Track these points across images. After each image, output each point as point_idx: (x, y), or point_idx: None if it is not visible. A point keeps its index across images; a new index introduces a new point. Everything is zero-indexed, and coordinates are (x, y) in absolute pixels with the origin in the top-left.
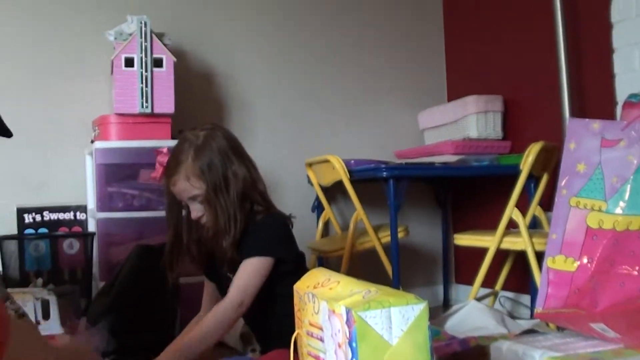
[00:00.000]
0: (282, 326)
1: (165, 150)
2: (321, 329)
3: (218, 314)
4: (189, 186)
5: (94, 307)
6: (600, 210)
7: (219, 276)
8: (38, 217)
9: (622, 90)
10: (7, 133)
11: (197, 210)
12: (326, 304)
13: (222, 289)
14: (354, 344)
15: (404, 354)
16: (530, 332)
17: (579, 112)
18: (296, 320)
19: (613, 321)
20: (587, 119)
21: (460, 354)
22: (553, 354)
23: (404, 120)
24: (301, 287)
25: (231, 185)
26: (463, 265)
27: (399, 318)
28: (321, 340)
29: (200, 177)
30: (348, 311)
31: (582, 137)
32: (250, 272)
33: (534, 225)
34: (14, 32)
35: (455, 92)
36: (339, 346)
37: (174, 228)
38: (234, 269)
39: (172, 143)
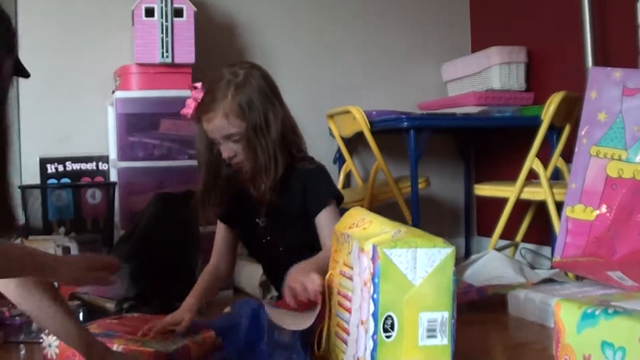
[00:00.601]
0: None
1: (199, 85)
2: (352, 268)
3: (322, 261)
4: (226, 124)
5: (114, 254)
6: (620, 159)
7: (245, 222)
8: (61, 168)
9: None
10: (25, 73)
11: (229, 150)
12: (357, 242)
13: (249, 236)
14: (376, 280)
15: (426, 296)
16: (548, 281)
17: (602, 62)
18: (331, 261)
19: (630, 269)
20: (608, 68)
21: (477, 302)
22: None
23: (427, 72)
24: (339, 228)
25: (272, 126)
26: (485, 218)
27: (424, 259)
28: (351, 279)
29: (239, 116)
30: (374, 248)
31: (603, 86)
32: (334, 219)
33: (556, 177)
34: None
35: (479, 44)
36: (365, 284)
37: (206, 167)
38: (267, 215)
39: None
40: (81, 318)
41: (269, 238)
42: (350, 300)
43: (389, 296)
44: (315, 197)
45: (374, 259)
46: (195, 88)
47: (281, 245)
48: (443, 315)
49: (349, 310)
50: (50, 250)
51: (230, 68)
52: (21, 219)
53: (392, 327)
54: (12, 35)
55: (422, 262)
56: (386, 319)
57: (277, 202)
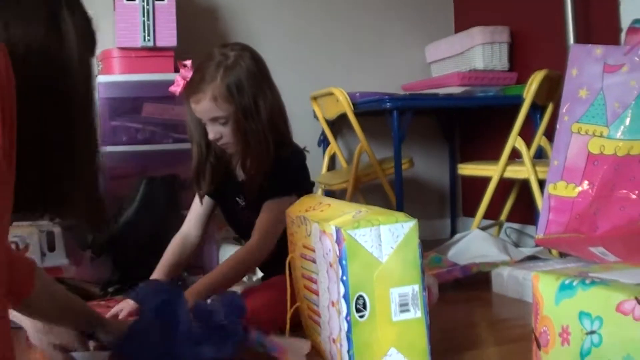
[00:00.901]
0: (283, 254)
1: (189, 63)
2: (313, 250)
3: (240, 257)
4: (213, 107)
5: (98, 238)
6: (601, 135)
7: (227, 199)
8: None
9: (627, 16)
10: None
11: (215, 132)
12: (317, 225)
13: (229, 213)
14: (344, 262)
15: (395, 271)
16: (532, 258)
17: (584, 40)
18: (289, 244)
19: (612, 245)
20: (589, 45)
21: (461, 280)
22: None
23: (411, 53)
24: (293, 211)
25: (261, 110)
26: (470, 198)
27: (388, 236)
28: (313, 261)
29: (227, 99)
30: (338, 230)
31: (584, 63)
32: (277, 215)
33: (540, 156)
34: None
35: (462, 24)
36: (330, 265)
37: (197, 145)
38: (246, 194)
39: (175, 76)
40: None
41: (247, 217)
42: (315, 283)
43: (358, 276)
44: (273, 185)
45: (338, 241)
46: (185, 66)
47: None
48: (414, 289)
49: (316, 293)
50: (34, 236)
51: (221, 49)
52: None
53: (365, 307)
54: (94, 35)
55: (387, 239)
56: (357, 299)
57: (265, 186)
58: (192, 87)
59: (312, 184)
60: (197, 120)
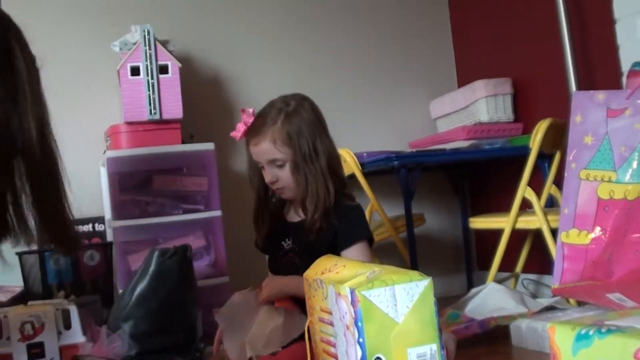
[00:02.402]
0: None
1: (251, 110)
2: (330, 313)
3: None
4: (272, 148)
5: (113, 313)
6: (610, 180)
7: (274, 247)
8: None
9: (627, 60)
10: None
11: (272, 175)
12: (333, 287)
13: (276, 260)
14: (359, 324)
15: (412, 331)
16: (550, 309)
17: (586, 86)
18: (308, 308)
19: (629, 290)
20: (591, 91)
21: (480, 335)
22: None
23: (416, 110)
24: (310, 274)
25: (320, 156)
26: (485, 251)
27: (403, 295)
28: (331, 324)
29: (286, 142)
30: (352, 291)
31: (587, 109)
32: (363, 256)
33: (551, 204)
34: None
35: (465, 78)
36: (347, 328)
37: (257, 190)
38: (294, 239)
39: (183, 148)
40: None
41: (290, 260)
42: (334, 346)
43: (374, 338)
44: (348, 233)
45: (353, 302)
46: (247, 112)
47: (301, 268)
48: (431, 348)
49: (335, 357)
50: (50, 315)
51: (283, 97)
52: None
53: None
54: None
55: (402, 298)
56: None
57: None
58: (253, 131)
59: None
60: (255, 166)
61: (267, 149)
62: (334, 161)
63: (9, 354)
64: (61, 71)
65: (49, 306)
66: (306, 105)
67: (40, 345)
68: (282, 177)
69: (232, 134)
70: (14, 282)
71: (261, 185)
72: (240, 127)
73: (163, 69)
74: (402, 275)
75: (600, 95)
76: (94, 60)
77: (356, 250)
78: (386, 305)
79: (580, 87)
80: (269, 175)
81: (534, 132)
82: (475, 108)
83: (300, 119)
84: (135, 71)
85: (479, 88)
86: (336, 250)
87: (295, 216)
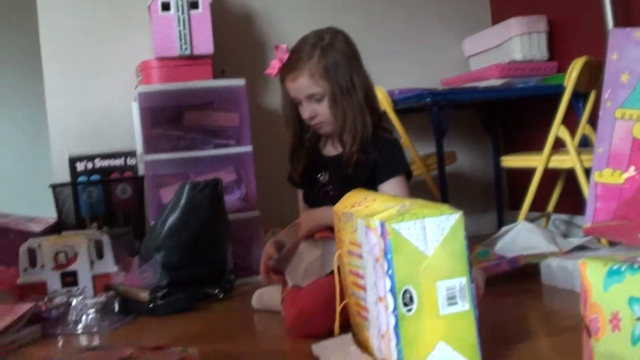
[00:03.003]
0: None
1: (285, 47)
2: (360, 246)
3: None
4: (311, 83)
5: (145, 244)
6: None
7: (310, 181)
8: (90, 165)
9: None
10: None
11: (310, 111)
12: (362, 220)
13: (312, 194)
14: (389, 256)
15: (441, 265)
16: (580, 248)
17: (624, 24)
18: (337, 241)
19: None
20: (628, 28)
21: (510, 273)
22: None
23: (449, 48)
24: (339, 208)
25: (357, 88)
26: (516, 191)
27: (434, 228)
28: (360, 257)
29: (324, 76)
30: (382, 224)
31: (624, 47)
32: (400, 190)
33: (585, 144)
34: None
35: (499, 16)
36: (376, 260)
37: (293, 127)
38: (330, 172)
39: (214, 83)
40: (116, 309)
41: (326, 192)
42: (363, 278)
43: (404, 270)
44: (386, 166)
45: (383, 235)
46: (281, 49)
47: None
48: (461, 281)
49: (363, 288)
50: (83, 245)
51: (315, 32)
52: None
53: (412, 300)
54: None
55: (432, 231)
56: (404, 293)
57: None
58: (289, 67)
59: None
60: (291, 103)
61: (306, 84)
62: (371, 94)
63: (43, 282)
64: (94, 7)
65: (82, 236)
66: (340, 38)
67: (74, 273)
68: (320, 112)
69: (267, 71)
70: (48, 213)
71: (297, 122)
72: (275, 64)
73: (193, 4)
74: (433, 208)
75: (638, 32)
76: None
77: (394, 183)
78: (416, 238)
79: (617, 24)
80: (307, 111)
81: (569, 70)
82: (509, 46)
83: (335, 52)
84: (166, 7)
85: (513, 26)
86: (373, 184)
87: (331, 150)
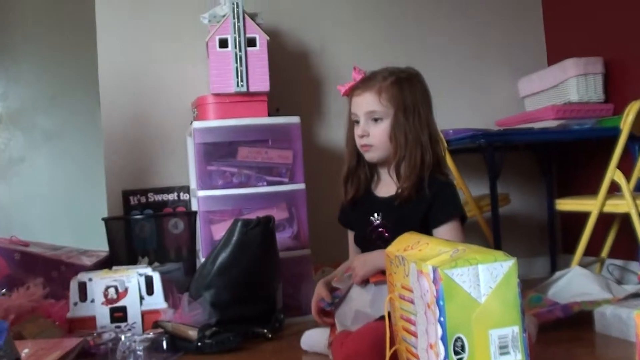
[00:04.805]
0: None
1: (363, 70)
2: (411, 291)
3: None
4: (375, 101)
5: (195, 281)
6: None
7: (360, 219)
8: (143, 199)
9: None
10: None
11: (363, 130)
12: (414, 265)
13: (364, 236)
14: (441, 303)
15: (494, 312)
16: (635, 296)
17: None
18: (388, 284)
19: None
20: None
21: (563, 320)
22: None
23: (504, 88)
24: (391, 251)
25: (423, 125)
26: (570, 234)
27: (487, 275)
28: (412, 302)
29: (391, 99)
30: (435, 270)
31: None
32: (455, 235)
33: None
34: (117, 25)
35: (555, 56)
36: (428, 307)
37: (351, 150)
38: (384, 214)
39: (269, 120)
40: (164, 346)
41: (379, 234)
42: (414, 324)
43: (455, 317)
44: (441, 210)
45: (435, 280)
46: (358, 69)
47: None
48: (513, 330)
49: (414, 334)
50: (133, 280)
51: (395, 67)
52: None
53: (463, 349)
54: None
55: (485, 278)
56: (456, 340)
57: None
58: (361, 83)
59: None
60: (354, 124)
61: (370, 100)
62: (435, 137)
63: (93, 316)
64: (151, 42)
65: (133, 271)
66: (418, 77)
67: (123, 309)
68: (374, 134)
69: (339, 87)
70: (100, 246)
71: (356, 147)
72: (348, 83)
73: (251, 42)
74: (486, 255)
75: None
76: (183, 32)
77: (449, 228)
78: (469, 284)
79: None
80: (361, 128)
81: (625, 113)
82: (565, 87)
83: (410, 85)
84: (223, 43)
85: (570, 67)
86: (427, 227)
87: (384, 191)
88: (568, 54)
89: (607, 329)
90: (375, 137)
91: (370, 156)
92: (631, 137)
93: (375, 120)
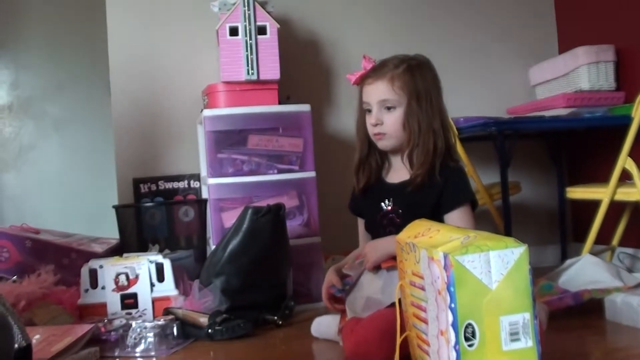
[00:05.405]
0: None
1: (373, 59)
2: (422, 277)
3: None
4: (388, 88)
5: (206, 269)
6: None
7: (373, 208)
8: (153, 187)
9: None
10: None
11: (376, 118)
12: (425, 251)
13: (375, 222)
14: (452, 289)
15: (505, 299)
16: None
17: None
18: (399, 271)
19: None
20: None
21: (573, 308)
22: None
23: (515, 76)
24: (402, 238)
25: (435, 112)
26: (581, 223)
27: (498, 262)
28: (422, 289)
29: (403, 87)
30: (445, 256)
31: None
32: (466, 221)
33: None
34: (128, 13)
35: (566, 44)
36: (439, 293)
37: (362, 138)
38: (394, 200)
39: (279, 109)
40: (175, 333)
41: (390, 221)
42: (425, 311)
43: (466, 304)
44: (452, 196)
45: (446, 267)
46: (368, 58)
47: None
48: (524, 317)
49: (425, 321)
50: (144, 267)
51: (405, 55)
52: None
53: (474, 335)
54: None
55: (496, 265)
56: (466, 327)
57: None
58: (372, 72)
59: None
60: (365, 113)
61: (382, 88)
62: (446, 123)
63: (104, 303)
64: (161, 30)
65: (144, 259)
66: (429, 65)
67: (134, 296)
68: (387, 122)
69: (349, 75)
70: (111, 234)
71: (367, 136)
72: (357, 72)
73: (261, 30)
74: (498, 241)
75: None
76: (194, 20)
77: (460, 213)
78: (480, 271)
79: None
80: (374, 117)
81: (637, 101)
82: (576, 75)
83: (421, 72)
84: (233, 31)
85: (581, 55)
86: (438, 213)
87: (395, 177)
88: (579, 41)
89: (617, 317)
90: (388, 126)
91: (383, 144)
92: None
93: (388, 108)
